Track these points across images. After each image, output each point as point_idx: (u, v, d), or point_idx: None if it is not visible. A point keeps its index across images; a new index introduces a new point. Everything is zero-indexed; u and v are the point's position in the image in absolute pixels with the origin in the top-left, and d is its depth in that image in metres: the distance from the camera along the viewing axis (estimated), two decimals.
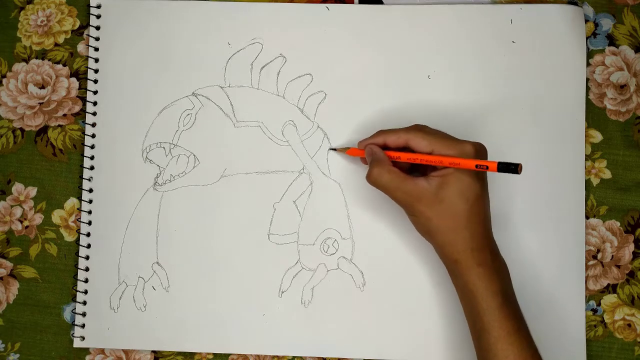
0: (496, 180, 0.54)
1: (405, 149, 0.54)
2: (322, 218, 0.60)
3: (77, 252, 0.61)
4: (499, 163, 0.49)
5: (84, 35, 0.64)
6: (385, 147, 0.55)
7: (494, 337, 0.50)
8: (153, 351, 0.60)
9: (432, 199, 0.51)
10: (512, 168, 0.49)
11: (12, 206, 0.62)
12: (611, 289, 0.60)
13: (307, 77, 0.62)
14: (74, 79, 0.63)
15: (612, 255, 0.60)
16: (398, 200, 0.53)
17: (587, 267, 0.60)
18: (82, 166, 0.62)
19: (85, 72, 0.63)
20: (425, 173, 0.53)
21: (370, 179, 0.54)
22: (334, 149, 0.61)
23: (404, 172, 0.54)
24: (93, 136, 0.62)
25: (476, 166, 0.50)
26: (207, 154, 0.61)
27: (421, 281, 0.59)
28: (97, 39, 0.63)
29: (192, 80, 0.62)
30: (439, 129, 0.55)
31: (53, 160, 0.63)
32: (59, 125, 0.63)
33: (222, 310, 0.60)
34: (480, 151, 0.52)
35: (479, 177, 0.52)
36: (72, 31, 0.64)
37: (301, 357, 0.60)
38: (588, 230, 0.60)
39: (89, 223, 0.61)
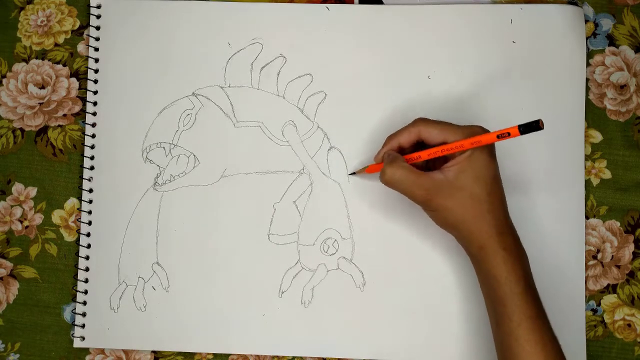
0: None
1: (416, 146, 0.54)
2: (322, 218, 0.60)
3: (77, 252, 0.61)
4: (520, 125, 0.48)
5: (84, 35, 0.64)
6: (400, 151, 0.54)
7: (515, 322, 0.50)
8: (153, 351, 0.60)
9: (450, 189, 0.51)
10: (533, 126, 0.48)
11: (12, 206, 0.62)
12: (611, 289, 0.60)
13: (307, 77, 0.62)
14: (74, 79, 0.63)
15: (612, 255, 0.60)
16: (415, 196, 0.52)
17: (587, 267, 0.60)
18: (82, 166, 0.62)
19: (85, 72, 0.63)
20: (435, 168, 0.53)
21: (384, 178, 0.53)
22: (354, 173, 0.60)
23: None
24: (93, 136, 0.62)
25: (497, 137, 0.49)
26: (207, 154, 0.61)
27: (421, 281, 0.59)
28: (97, 39, 0.63)
29: (192, 80, 0.62)
30: None
31: (53, 160, 0.63)
32: (59, 126, 0.63)
33: (222, 310, 0.60)
34: (486, 130, 0.52)
35: (492, 158, 0.52)
36: (72, 31, 0.64)
37: (301, 357, 0.60)
38: (588, 230, 0.60)
39: (89, 223, 0.61)
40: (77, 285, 0.61)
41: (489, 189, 0.51)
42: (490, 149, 0.52)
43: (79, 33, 0.64)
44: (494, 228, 0.51)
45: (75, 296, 0.61)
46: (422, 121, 0.54)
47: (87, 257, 0.61)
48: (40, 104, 0.63)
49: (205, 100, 0.62)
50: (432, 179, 0.51)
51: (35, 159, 0.63)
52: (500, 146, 0.60)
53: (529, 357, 0.49)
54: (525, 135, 0.61)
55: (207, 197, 0.61)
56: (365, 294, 0.60)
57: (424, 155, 0.53)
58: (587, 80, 0.61)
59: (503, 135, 0.49)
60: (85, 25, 0.64)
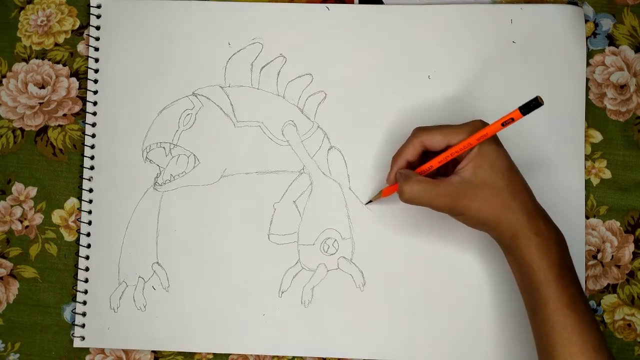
0: None
1: (422, 156, 0.54)
2: (322, 218, 0.60)
3: (77, 252, 0.61)
4: (520, 107, 0.48)
5: (84, 35, 0.64)
6: (409, 166, 0.54)
7: (550, 309, 0.49)
8: (153, 351, 0.60)
9: (472, 189, 0.51)
10: (533, 104, 0.47)
11: (12, 206, 0.62)
12: (611, 289, 0.60)
13: (307, 77, 0.62)
14: (74, 79, 0.63)
15: (612, 255, 0.60)
16: (438, 206, 0.52)
17: (587, 267, 0.60)
18: (82, 166, 0.62)
19: (85, 72, 0.63)
20: (447, 173, 0.53)
21: (404, 196, 0.52)
22: (370, 202, 0.60)
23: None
24: (93, 136, 0.62)
25: (502, 124, 0.49)
26: (207, 153, 0.61)
27: (421, 281, 0.59)
28: (97, 39, 0.63)
29: (192, 80, 0.62)
30: None
31: (53, 160, 0.63)
32: (59, 125, 0.63)
33: (222, 310, 0.60)
34: (485, 123, 0.52)
35: (501, 147, 0.52)
36: (72, 31, 0.64)
37: (301, 357, 0.60)
38: (588, 230, 0.60)
39: (89, 223, 0.61)
40: (77, 285, 0.61)
41: (508, 177, 0.51)
42: (496, 140, 0.52)
43: (79, 33, 0.64)
44: (523, 214, 0.50)
45: (75, 296, 0.61)
46: (421, 130, 0.53)
47: (87, 257, 0.61)
48: (40, 103, 0.63)
49: (205, 100, 0.62)
50: (452, 184, 0.51)
51: (35, 159, 0.63)
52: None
53: (566, 344, 0.48)
54: (525, 135, 0.61)
55: (207, 197, 0.61)
56: (365, 293, 0.60)
57: (435, 163, 0.53)
58: (587, 80, 0.61)
59: (507, 122, 0.49)
60: (85, 25, 0.64)
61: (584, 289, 0.59)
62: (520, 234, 0.50)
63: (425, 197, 0.52)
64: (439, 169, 0.54)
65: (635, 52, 0.62)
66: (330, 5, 0.62)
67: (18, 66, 0.63)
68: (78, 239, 0.61)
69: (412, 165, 0.54)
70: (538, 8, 0.62)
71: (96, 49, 0.63)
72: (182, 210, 0.61)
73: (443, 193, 0.51)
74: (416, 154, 0.54)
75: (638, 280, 0.60)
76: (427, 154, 0.54)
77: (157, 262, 0.60)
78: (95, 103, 0.62)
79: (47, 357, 0.61)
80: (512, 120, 0.49)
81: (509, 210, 0.51)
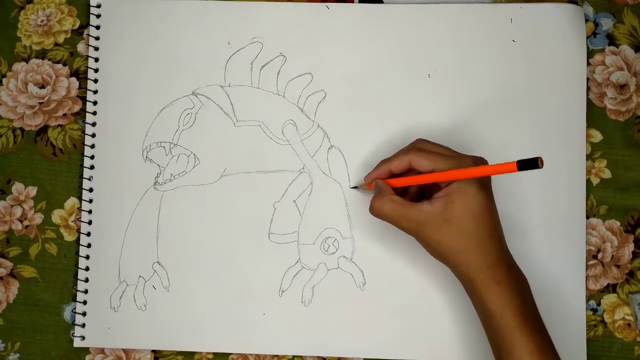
0: (495, 180, 0.54)
1: (411, 171, 0.54)
2: (322, 217, 0.60)
3: (77, 251, 0.61)
4: (519, 162, 0.45)
5: (84, 35, 0.64)
6: (393, 175, 0.54)
7: (515, 357, 0.49)
8: (153, 351, 0.60)
9: (438, 221, 0.50)
10: (532, 165, 0.45)
11: (12, 206, 0.62)
12: (611, 288, 0.60)
13: (307, 77, 0.62)
14: (74, 79, 0.63)
15: (612, 255, 0.60)
16: (404, 228, 0.52)
17: (587, 267, 0.60)
18: (82, 166, 0.62)
19: (85, 72, 0.63)
20: (431, 196, 0.52)
21: (372, 211, 0.53)
22: (356, 187, 0.60)
23: (414, 198, 0.54)
24: (93, 136, 0.62)
25: (496, 172, 0.48)
26: (207, 153, 0.61)
27: (421, 280, 0.59)
28: (97, 38, 0.63)
29: (192, 80, 0.62)
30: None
31: (53, 160, 0.63)
32: (59, 125, 0.63)
33: (222, 309, 0.60)
34: (479, 164, 0.51)
35: (483, 188, 0.51)
36: (72, 31, 0.64)
37: (301, 357, 0.60)
38: (588, 230, 0.60)
39: (89, 223, 0.61)
40: (77, 284, 0.61)
41: (478, 221, 0.50)
42: (481, 182, 0.51)
43: (79, 33, 0.64)
44: (483, 261, 0.50)
45: (75, 296, 0.61)
46: (416, 150, 0.53)
47: (88, 257, 0.61)
48: (40, 103, 0.63)
49: (205, 99, 0.62)
50: (420, 211, 0.51)
51: (35, 159, 0.63)
52: (500, 146, 0.60)
53: None
54: (525, 135, 0.61)
55: (207, 196, 0.61)
56: (365, 293, 0.60)
57: (411, 181, 0.53)
58: (587, 79, 0.61)
59: (500, 172, 0.48)
60: (85, 24, 0.64)
61: (584, 289, 0.59)
62: (479, 280, 0.50)
63: (393, 217, 0.52)
64: (420, 189, 0.54)
65: (635, 51, 0.62)
66: (330, 5, 0.62)
67: (18, 66, 0.63)
68: (78, 239, 0.61)
69: (395, 175, 0.54)
70: (538, 7, 0.62)
71: (96, 49, 0.63)
72: (182, 209, 0.61)
73: (410, 217, 0.51)
74: (402, 168, 0.54)
75: (638, 280, 0.60)
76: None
77: (158, 262, 0.60)
78: (95, 103, 0.62)
79: (47, 357, 0.61)
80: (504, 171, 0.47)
81: (470, 254, 0.50)
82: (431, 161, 0.52)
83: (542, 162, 0.45)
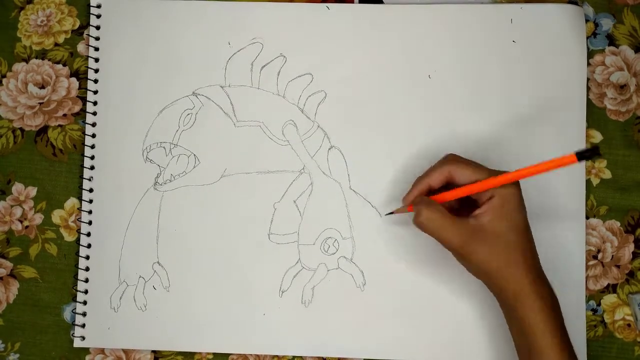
0: None
1: (446, 187, 0.53)
2: (323, 217, 0.60)
3: (77, 252, 0.61)
4: (577, 152, 0.47)
5: (84, 35, 0.64)
6: (431, 192, 0.53)
7: None
8: (153, 351, 0.60)
9: (485, 236, 0.50)
10: (591, 154, 0.47)
11: (12, 206, 0.62)
12: (611, 289, 0.60)
13: (307, 77, 0.62)
14: (74, 79, 0.63)
15: (612, 255, 0.60)
16: (449, 242, 0.51)
17: (587, 267, 0.60)
18: (82, 166, 0.62)
19: (85, 72, 0.63)
20: (461, 214, 0.52)
21: (418, 219, 0.51)
22: (392, 213, 0.58)
23: None
24: (93, 136, 0.62)
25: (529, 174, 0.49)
26: (208, 153, 0.61)
27: (422, 281, 0.59)
28: (97, 38, 0.63)
29: (192, 80, 0.62)
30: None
31: (53, 160, 0.63)
32: (59, 125, 0.63)
33: (222, 309, 0.60)
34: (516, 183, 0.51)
35: (523, 205, 0.51)
36: (72, 31, 0.64)
37: (301, 357, 0.60)
38: (588, 230, 0.60)
39: (89, 223, 0.61)
40: (77, 285, 0.61)
41: (522, 235, 0.50)
42: (520, 196, 0.51)
43: (79, 33, 0.64)
44: (528, 276, 0.50)
45: (75, 296, 0.61)
46: (453, 159, 0.52)
47: (88, 257, 0.61)
48: (40, 103, 0.63)
49: (205, 99, 0.62)
50: (468, 225, 0.50)
51: (35, 159, 0.63)
52: (500, 146, 0.60)
53: None
54: (526, 134, 0.61)
55: (207, 196, 0.61)
56: (365, 293, 0.60)
57: (460, 193, 0.52)
58: (587, 80, 0.61)
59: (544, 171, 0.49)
60: (85, 25, 0.64)
61: (584, 289, 0.59)
62: (524, 294, 0.50)
63: (439, 229, 0.51)
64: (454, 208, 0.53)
65: (635, 52, 0.62)
66: (330, 5, 0.62)
67: (18, 66, 0.63)
68: (78, 239, 0.61)
69: (433, 192, 0.53)
70: (538, 8, 0.62)
71: (96, 49, 0.63)
72: (182, 210, 0.61)
73: (457, 231, 0.50)
74: (441, 181, 0.53)
75: (638, 280, 0.60)
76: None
77: (158, 262, 0.60)
78: (95, 103, 0.62)
79: (47, 357, 0.61)
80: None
81: (515, 267, 0.50)
82: (472, 170, 0.51)
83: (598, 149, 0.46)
